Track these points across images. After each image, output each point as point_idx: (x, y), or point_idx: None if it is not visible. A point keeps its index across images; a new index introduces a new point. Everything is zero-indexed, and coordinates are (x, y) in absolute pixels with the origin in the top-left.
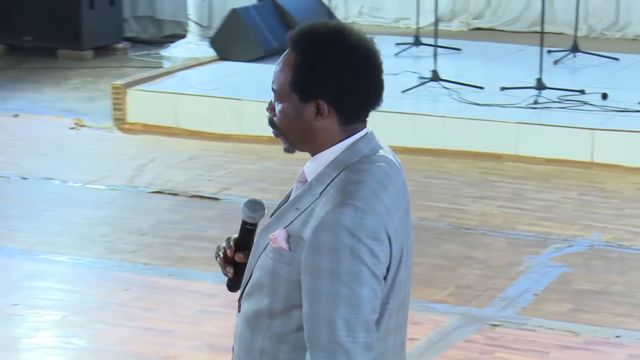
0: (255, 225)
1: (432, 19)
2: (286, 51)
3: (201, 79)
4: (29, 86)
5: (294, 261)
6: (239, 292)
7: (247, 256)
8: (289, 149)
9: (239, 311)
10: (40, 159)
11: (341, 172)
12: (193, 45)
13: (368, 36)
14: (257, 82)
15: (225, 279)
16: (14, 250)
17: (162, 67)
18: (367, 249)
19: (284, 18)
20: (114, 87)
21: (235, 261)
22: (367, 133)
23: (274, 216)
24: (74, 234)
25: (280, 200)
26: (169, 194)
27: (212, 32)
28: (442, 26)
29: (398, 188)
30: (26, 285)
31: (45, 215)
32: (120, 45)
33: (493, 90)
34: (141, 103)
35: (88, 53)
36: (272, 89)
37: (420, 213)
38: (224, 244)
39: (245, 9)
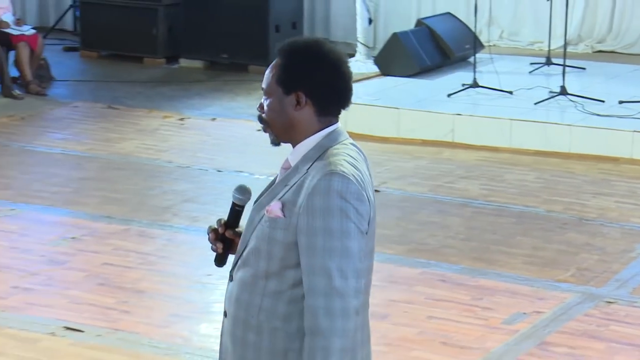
0: (242, 207)
1: (561, 43)
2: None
3: (366, 91)
4: (225, 95)
5: (289, 226)
6: (232, 265)
7: (235, 234)
8: (275, 141)
9: (231, 280)
10: (232, 155)
11: (323, 153)
12: (360, 63)
13: (339, 49)
14: (413, 94)
15: None
16: None
17: None
18: (353, 209)
19: (436, 41)
20: None
21: (224, 238)
22: (338, 126)
23: (264, 195)
24: None
25: (264, 188)
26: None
27: (376, 52)
28: (570, 49)
29: (366, 167)
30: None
31: None
32: None
33: (612, 104)
34: None
35: None
36: (262, 88)
37: (548, 206)
38: (214, 224)
39: (404, 33)
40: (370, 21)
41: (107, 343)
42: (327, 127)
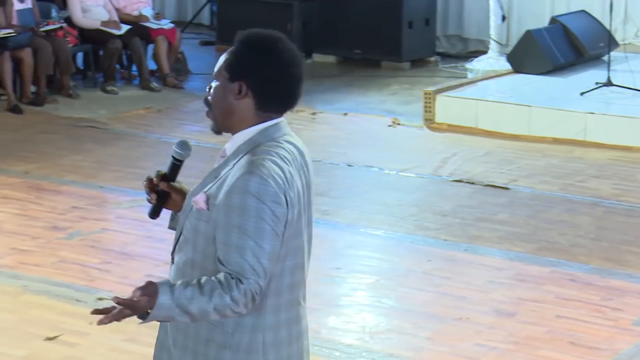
0: (181, 162)
1: None
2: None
3: (498, 88)
4: (357, 90)
5: (211, 219)
6: (172, 247)
7: (170, 187)
8: (213, 128)
9: (172, 262)
10: (363, 150)
11: (253, 149)
12: (493, 60)
13: (299, 53)
14: (545, 91)
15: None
16: (339, 224)
17: (466, 77)
18: (269, 211)
19: (570, 39)
20: (426, 93)
21: (159, 191)
22: (279, 122)
23: (198, 184)
24: (388, 212)
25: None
26: (467, 182)
27: (509, 49)
28: None
29: (298, 166)
30: (347, 253)
31: (365, 197)
32: (432, 59)
33: None
34: (447, 106)
35: (406, 64)
36: (214, 71)
37: None
38: (155, 176)
39: (538, 31)
40: (503, 18)
41: None
42: (265, 121)
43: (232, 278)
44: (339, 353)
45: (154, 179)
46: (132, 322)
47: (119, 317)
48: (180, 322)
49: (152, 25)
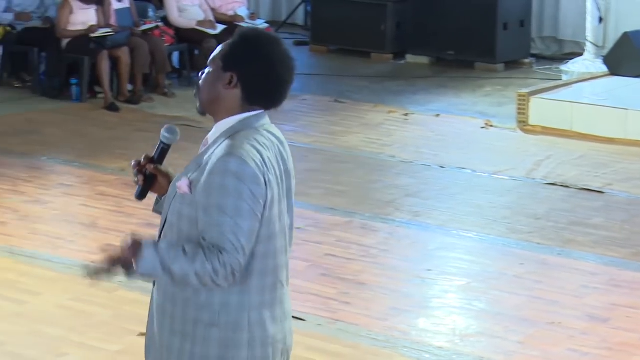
0: (169, 147)
1: None
2: None
3: (593, 90)
4: (449, 92)
5: (193, 202)
6: (157, 236)
7: (157, 170)
8: (199, 109)
9: None
10: (455, 151)
11: (232, 135)
12: (588, 62)
13: (291, 57)
14: None
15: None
16: (430, 226)
17: (560, 79)
18: (248, 190)
19: None
20: (520, 95)
21: (146, 174)
22: (259, 113)
23: (182, 171)
24: (480, 215)
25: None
26: (561, 186)
27: (605, 52)
28: None
29: (275, 153)
30: (439, 254)
31: (457, 198)
32: (526, 61)
33: None
34: (541, 109)
35: (500, 66)
36: (210, 58)
37: None
38: (142, 159)
39: (636, 32)
40: (600, 20)
41: (327, 333)
42: (247, 112)
43: (214, 250)
44: (428, 355)
45: (142, 161)
46: None
47: (108, 267)
48: (162, 280)
49: (247, 25)
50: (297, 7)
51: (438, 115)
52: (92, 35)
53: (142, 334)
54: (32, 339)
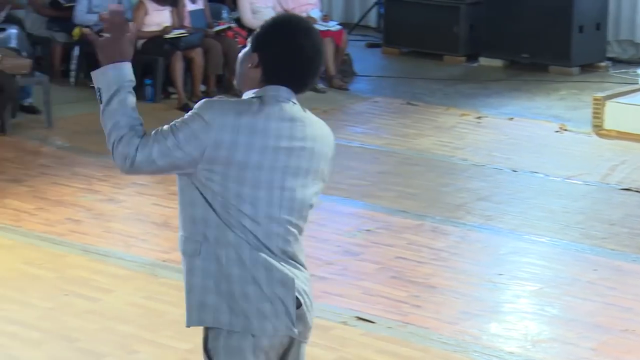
0: None
1: None
2: None
3: None
4: (523, 95)
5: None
6: None
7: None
8: (236, 86)
9: None
10: (528, 155)
11: None
12: None
13: (316, 44)
14: None
15: None
16: (502, 230)
17: (637, 83)
18: (195, 118)
19: None
20: (595, 99)
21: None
22: (276, 93)
23: None
24: (553, 220)
25: None
26: (636, 191)
27: None
28: None
29: (277, 127)
30: (510, 259)
31: (529, 203)
32: (602, 64)
33: None
34: (617, 113)
35: (575, 69)
36: None
37: None
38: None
39: None
40: None
41: (397, 336)
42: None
43: (137, 139)
44: None
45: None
46: None
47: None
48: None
49: (320, 27)
50: (370, 9)
51: (511, 119)
52: (167, 36)
53: None
54: (104, 336)
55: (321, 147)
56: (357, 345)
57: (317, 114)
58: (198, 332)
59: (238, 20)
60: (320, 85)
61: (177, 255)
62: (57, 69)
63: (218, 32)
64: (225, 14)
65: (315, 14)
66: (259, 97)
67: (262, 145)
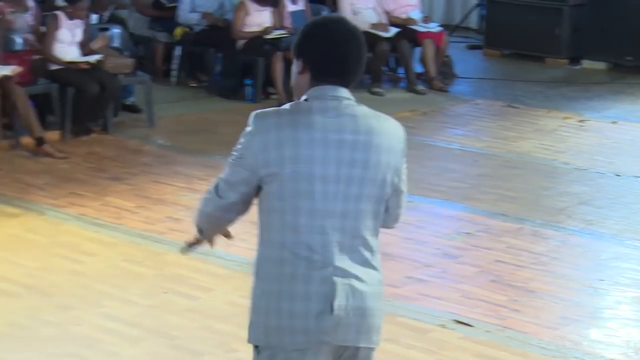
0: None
1: None
2: None
3: None
4: (627, 98)
5: None
6: None
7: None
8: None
9: None
10: (631, 159)
11: None
12: None
13: (347, 34)
14: None
15: None
16: (604, 235)
17: None
18: (245, 138)
19: None
20: None
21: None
22: (320, 92)
23: None
24: None
25: None
26: None
27: None
28: None
29: (320, 121)
30: (612, 264)
31: (632, 208)
32: None
33: None
34: None
35: None
36: None
37: None
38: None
39: None
40: None
41: (495, 340)
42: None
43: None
44: None
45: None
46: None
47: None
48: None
49: (420, 28)
50: (471, 11)
51: (615, 122)
52: (267, 36)
53: None
54: (203, 334)
55: (380, 139)
56: (455, 348)
57: (416, 116)
58: None
59: None
60: (420, 87)
61: None
62: (159, 69)
63: None
64: (325, 14)
65: (416, 15)
66: (305, 100)
67: (309, 139)
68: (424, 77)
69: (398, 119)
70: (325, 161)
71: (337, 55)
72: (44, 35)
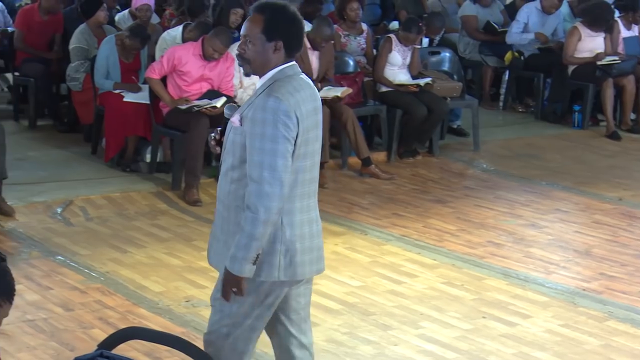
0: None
1: None
2: (251, 14)
3: None
4: None
5: (243, 132)
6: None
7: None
8: (248, 74)
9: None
10: None
11: (272, 83)
12: None
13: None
14: None
15: None
16: None
17: None
18: (282, 122)
19: None
20: None
21: (220, 142)
22: (292, 64)
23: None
24: None
25: None
26: None
27: None
28: None
29: (309, 94)
30: None
31: None
32: None
33: None
34: None
35: None
36: (245, 35)
37: None
38: (214, 134)
39: None
40: None
41: None
42: (284, 64)
43: (252, 203)
44: None
45: (218, 136)
46: None
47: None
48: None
49: None
50: None
51: None
52: (599, 62)
53: None
54: None
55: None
56: None
57: None
58: None
59: None
60: None
61: (598, 285)
62: (486, 93)
63: None
64: None
65: None
66: (288, 76)
67: (307, 112)
68: None
69: None
70: (317, 125)
71: (301, 36)
72: (375, 57)
